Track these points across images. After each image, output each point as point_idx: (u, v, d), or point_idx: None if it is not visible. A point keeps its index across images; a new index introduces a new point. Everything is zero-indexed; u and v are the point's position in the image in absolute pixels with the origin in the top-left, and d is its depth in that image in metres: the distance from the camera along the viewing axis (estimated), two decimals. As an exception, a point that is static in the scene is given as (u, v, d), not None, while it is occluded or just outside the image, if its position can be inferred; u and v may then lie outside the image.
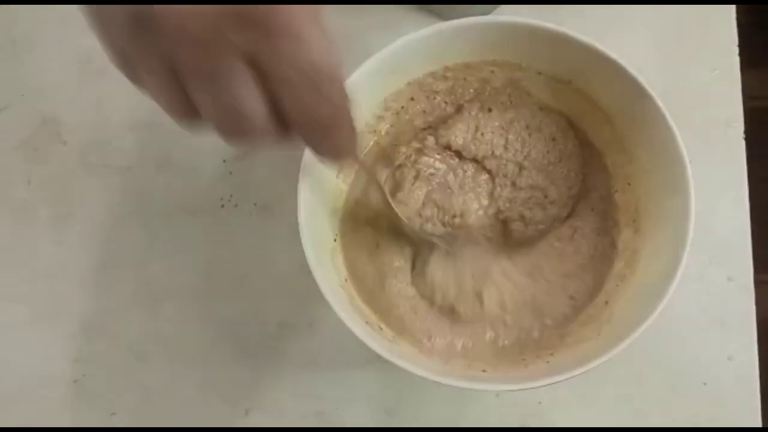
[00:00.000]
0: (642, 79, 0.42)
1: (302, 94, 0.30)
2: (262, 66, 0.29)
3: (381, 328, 0.43)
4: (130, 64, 0.30)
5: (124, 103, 0.56)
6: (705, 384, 0.50)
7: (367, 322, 0.42)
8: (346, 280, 0.44)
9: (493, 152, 0.47)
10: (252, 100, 0.30)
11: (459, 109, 0.48)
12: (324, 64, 0.29)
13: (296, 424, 0.50)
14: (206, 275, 0.53)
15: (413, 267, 0.47)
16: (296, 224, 0.42)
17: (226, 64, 0.28)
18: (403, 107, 0.48)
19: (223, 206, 0.54)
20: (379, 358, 0.39)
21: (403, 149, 0.48)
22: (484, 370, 0.42)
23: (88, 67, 0.57)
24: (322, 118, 0.31)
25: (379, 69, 0.44)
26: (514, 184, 0.47)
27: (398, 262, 0.47)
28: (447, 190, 0.47)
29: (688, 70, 0.55)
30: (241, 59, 0.28)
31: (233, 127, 0.31)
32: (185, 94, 0.30)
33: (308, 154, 0.42)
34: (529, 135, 0.47)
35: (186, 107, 0.30)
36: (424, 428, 0.50)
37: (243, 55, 0.28)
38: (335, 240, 0.45)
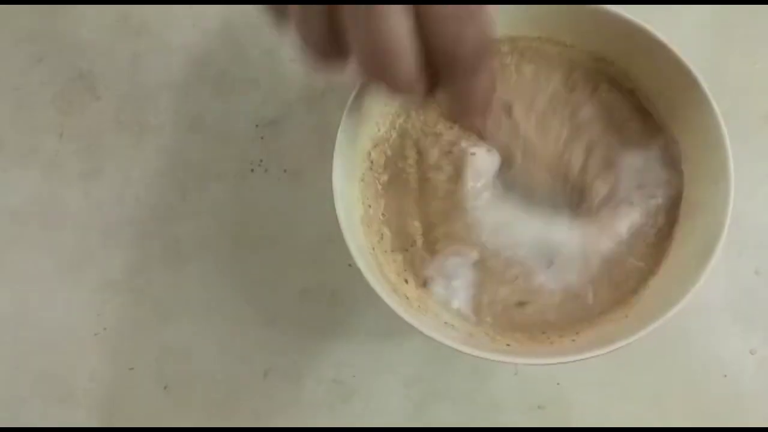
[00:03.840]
0: (691, 65, 0.41)
1: (449, 23, 0.30)
2: None
3: (407, 298, 0.43)
4: None
5: (161, 62, 0.56)
6: (725, 376, 0.50)
7: (394, 290, 0.42)
8: (373, 248, 0.44)
9: None
10: (403, 32, 0.29)
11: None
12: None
13: (313, 389, 0.51)
14: (232, 238, 0.53)
15: None
16: (325, 192, 0.41)
17: None
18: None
19: (253, 170, 0.54)
20: (399, 330, 0.39)
21: None
22: (508, 344, 0.42)
23: (126, 24, 0.58)
24: (467, 50, 0.31)
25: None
26: None
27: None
28: None
29: (728, 62, 0.55)
30: None
31: (378, 63, 0.30)
32: (332, 24, 0.30)
33: (345, 119, 0.42)
34: None
35: (329, 40, 0.31)
36: (443, 428, 0.50)
37: None
38: (369, 206, 0.45)
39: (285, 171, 0.54)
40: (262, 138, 0.55)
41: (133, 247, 0.54)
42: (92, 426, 0.51)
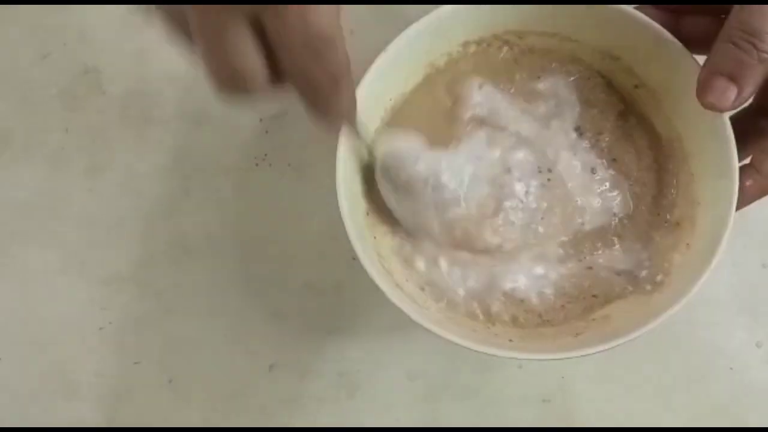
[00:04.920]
0: (696, 60, 0.41)
1: (301, 59, 0.31)
2: (264, 27, 0.30)
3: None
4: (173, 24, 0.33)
5: (166, 57, 0.56)
6: (731, 369, 0.50)
7: (397, 285, 0.42)
8: (375, 237, 0.44)
9: None
10: (250, 57, 0.31)
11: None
12: (325, 31, 0.30)
13: (318, 383, 0.51)
14: (237, 232, 0.54)
15: None
16: (329, 187, 0.41)
17: (230, 21, 0.30)
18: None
19: (257, 165, 0.54)
20: (403, 324, 0.39)
21: None
22: (510, 340, 0.41)
23: (131, 19, 0.58)
24: (321, 83, 0.32)
25: (423, 33, 0.43)
26: None
27: None
28: None
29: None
30: (245, 18, 0.30)
31: (228, 82, 0.32)
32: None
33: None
34: None
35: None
36: (442, 428, 0.50)
37: (247, 15, 0.30)
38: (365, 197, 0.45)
39: (289, 165, 0.54)
40: (266, 132, 0.55)
41: (138, 242, 0.54)
42: (97, 420, 0.51)
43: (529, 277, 0.44)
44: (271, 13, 0.30)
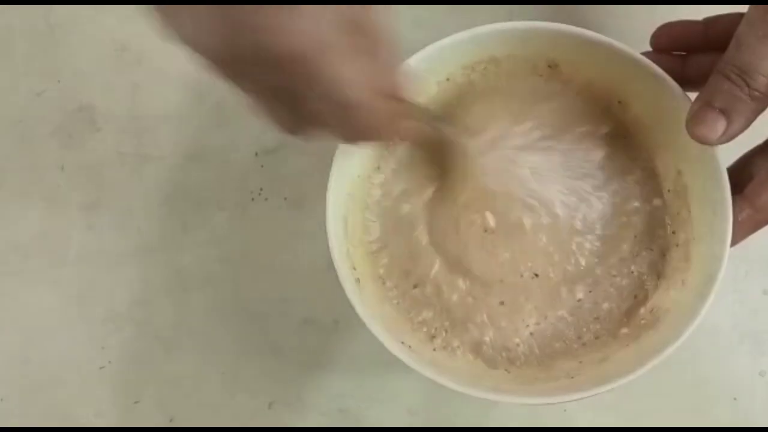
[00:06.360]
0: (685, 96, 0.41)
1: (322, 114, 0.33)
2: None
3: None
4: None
5: (159, 93, 0.56)
6: (735, 399, 0.49)
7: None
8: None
9: None
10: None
11: None
12: (343, 96, 0.31)
13: (319, 420, 0.50)
14: (234, 268, 0.53)
15: None
16: (325, 221, 0.41)
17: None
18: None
19: (253, 199, 0.54)
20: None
21: None
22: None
23: (124, 55, 0.57)
24: (348, 132, 0.35)
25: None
26: None
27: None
28: None
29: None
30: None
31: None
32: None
33: (338, 157, 0.42)
34: None
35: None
36: (446, 428, 0.50)
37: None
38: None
39: (285, 199, 0.54)
40: (262, 166, 0.55)
41: (136, 279, 0.54)
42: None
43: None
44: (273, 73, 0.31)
